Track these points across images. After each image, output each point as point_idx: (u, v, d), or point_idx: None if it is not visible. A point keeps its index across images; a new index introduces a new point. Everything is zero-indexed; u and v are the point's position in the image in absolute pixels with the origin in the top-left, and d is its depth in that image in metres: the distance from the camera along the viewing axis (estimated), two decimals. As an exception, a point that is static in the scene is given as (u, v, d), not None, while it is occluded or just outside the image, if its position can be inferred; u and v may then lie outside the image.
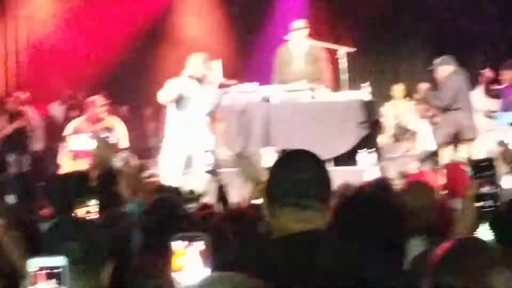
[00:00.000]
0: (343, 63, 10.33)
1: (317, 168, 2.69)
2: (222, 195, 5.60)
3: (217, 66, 10.37)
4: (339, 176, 4.41)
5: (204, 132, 8.92)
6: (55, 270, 2.06)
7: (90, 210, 3.89)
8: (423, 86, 10.48)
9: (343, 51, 10.41)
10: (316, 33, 11.13)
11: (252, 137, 9.76)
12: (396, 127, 11.27)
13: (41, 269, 2.05)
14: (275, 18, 12.91)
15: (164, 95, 8.91)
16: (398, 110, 11.95)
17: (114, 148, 6.41)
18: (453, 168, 4.63)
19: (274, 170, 2.71)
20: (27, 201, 4.68)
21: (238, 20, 13.25)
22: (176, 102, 8.91)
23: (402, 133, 10.70)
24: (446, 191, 4.57)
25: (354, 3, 13.12)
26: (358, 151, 9.25)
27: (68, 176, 4.99)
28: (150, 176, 7.63)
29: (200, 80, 8.87)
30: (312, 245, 2.53)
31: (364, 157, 9.16)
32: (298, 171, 2.64)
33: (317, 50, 10.61)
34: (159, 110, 10.88)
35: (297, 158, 2.73)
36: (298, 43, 10.55)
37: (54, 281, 2.05)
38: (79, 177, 4.89)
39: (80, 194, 4.15)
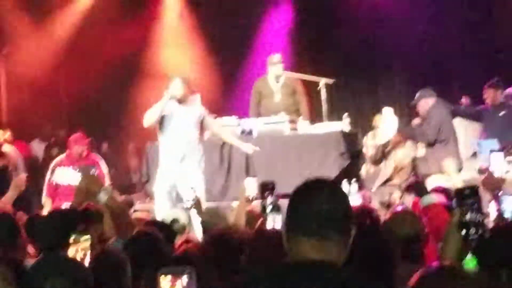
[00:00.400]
0: (323, 95, 10.41)
1: (338, 199, 2.69)
2: (205, 230, 5.58)
3: (196, 99, 10.41)
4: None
5: (190, 159, 8.85)
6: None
7: (82, 247, 3.85)
8: (415, 122, 10.62)
9: (322, 82, 10.48)
10: (296, 65, 11.25)
11: (233, 170, 9.81)
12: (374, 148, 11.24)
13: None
14: (255, 51, 12.97)
15: (147, 118, 8.89)
16: (378, 140, 11.99)
17: (99, 183, 6.35)
18: (432, 208, 4.64)
19: (295, 199, 2.71)
20: (11, 239, 4.61)
21: (217, 54, 13.30)
22: (159, 124, 8.87)
23: (380, 153, 10.68)
24: (430, 233, 4.58)
25: (333, 36, 13.20)
26: (342, 181, 9.24)
27: (53, 214, 4.94)
28: (135, 211, 7.60)
29: (180, 101, 8.86)
30: (317, 276, 2.52)
31: (347, 188, 9.16)
32: (319, 202, 2.64)
33: (293, 82, 10.70)
34: (141, 146, 10.88)
35: (318, 189, 2.71)
36: (275, 76, 10.63)
37: None
38: (65, 216, 4.85)
39: (67, 232, 4.13)
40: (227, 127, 9.61)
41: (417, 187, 5.41)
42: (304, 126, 10.05)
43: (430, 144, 10.01)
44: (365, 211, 5.27)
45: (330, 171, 9.48)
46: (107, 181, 9.55)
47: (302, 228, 2.62)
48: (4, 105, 13.09)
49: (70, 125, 12.65)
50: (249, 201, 5.36)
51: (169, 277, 2.36)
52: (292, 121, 10.05)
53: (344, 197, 2.72)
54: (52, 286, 2.32)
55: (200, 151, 8.90)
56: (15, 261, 3.71)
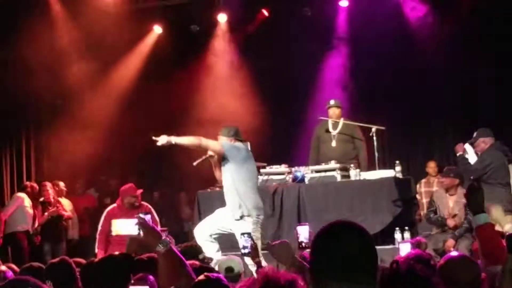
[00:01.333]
0: (375, 141, 10.37)
1: (366, 241, 2.64)
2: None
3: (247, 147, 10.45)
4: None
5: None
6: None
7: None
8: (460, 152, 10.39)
9: (374, 129, 10.45)
10: (350, 112, 11.26)
11: (284, 218, 9.80)
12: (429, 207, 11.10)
13: None
14: (306, 100, 12.97)
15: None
16: (432, 187, 11.87)
17: (157, 234, 6.38)
18: (486, 228, 4.50)
19: (321, 243, 2.65)
20: (69, 284, 4.67)
21: (268, 104, 13.34)
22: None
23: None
24: (482, 255, 4.44)
25: (385, 84, 13.14)
26: (395, 229, 9.16)
27: (108, 260, 4.94)
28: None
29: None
30: None
31: (399, 235, 9.07)
32: (348, 245, 2.59)
33: (352, 128, 10.69)
34: (193, 194, 10.92)
35: (346, 231, 2.66)
36: (333, 122, 10.65)
37: None
38: (119, 262, 4.84)
39: (122, 279, 4.13)
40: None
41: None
42: (356, 173, 10.00)
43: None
44: (419, 258, 5.17)
45: (383, 218, 9.40)
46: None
47: (331, 272, 2.56)
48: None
49: (122, 175, 12.75)
50: (302, 248, 5.29)
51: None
52: (344, 169, 10.02)
53: (371, 239, 2.67)
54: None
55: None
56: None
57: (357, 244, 2.59)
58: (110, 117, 13.14)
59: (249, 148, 9.42)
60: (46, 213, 11.81)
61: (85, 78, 12.93)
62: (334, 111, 10.73)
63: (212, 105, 13.01)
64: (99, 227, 9.92)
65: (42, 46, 12.12)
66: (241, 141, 8.73)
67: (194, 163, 8.86)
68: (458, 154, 9.77)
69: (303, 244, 5.26)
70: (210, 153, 8.63)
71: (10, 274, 5.93)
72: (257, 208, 8.45)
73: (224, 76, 13.77)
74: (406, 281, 3.09)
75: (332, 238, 2.64)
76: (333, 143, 10.70)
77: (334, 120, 10.70)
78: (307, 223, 5.44)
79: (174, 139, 8.28)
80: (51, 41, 12.60)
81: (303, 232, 5.17)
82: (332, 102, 10.82)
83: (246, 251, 5.50)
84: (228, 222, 8.51)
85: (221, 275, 4.19)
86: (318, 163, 10.46)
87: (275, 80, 13.44)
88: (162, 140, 8.29)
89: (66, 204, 12.26)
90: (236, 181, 8.48)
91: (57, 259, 5.57)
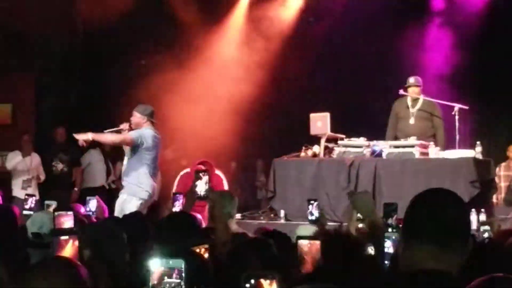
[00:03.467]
0: (457, 121, 10.18)
1: (460, 208, 2.68)
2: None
3: (326, 119, 10.42)
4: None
5: None
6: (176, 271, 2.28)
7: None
8: None
9: (456, 108, 10.26)
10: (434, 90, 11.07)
11: (360, 191, 9.73)
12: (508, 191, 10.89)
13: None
14: (386, 73, 12.78)
15: None
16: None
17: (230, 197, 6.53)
18: None
19: (415, 207, 2.69)
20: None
21: (348, 76, 13.23)
22: None
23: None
24: None
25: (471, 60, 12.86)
26: (471, 210, 9.00)
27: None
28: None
29: None
30: (441, 285, 2.49)
31: (474, 217, 8.91)
32: (441, 210, 2.63)
33: (431, 106, 10.51)
34: (269, 162, 10.95)
35: (439, 197, 2.71)
36: (413, 99, 10.50)
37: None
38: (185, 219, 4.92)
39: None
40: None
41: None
42: (435, 151, 9.85)
43: None
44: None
45: (460, 199, 9.24)
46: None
47: (422, 236, 2.60)
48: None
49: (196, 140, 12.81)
50: (359, 220, 5.28)
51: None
52: (423, 146, 9.88)
53: (465, 206, 2.72)
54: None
55: None
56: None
57: (451, 209, 2.63)
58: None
59: (329, 120, 9.48)
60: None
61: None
62: (413, 90, 10.54)
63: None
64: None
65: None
66: (152, 123, 9.03)
67: (105, 132, 9.18)
68: None
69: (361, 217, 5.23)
70: (121, 126, 9.04)
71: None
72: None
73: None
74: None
75: (425, 203, 2.69)
76: (411, 120, 10.51)
77: (415, 96, 10.52)
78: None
79: (92, 136, 8.72)
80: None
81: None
82: (411, 80, 10.60)
83: (313, 218, 5.52)
84: None
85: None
86: (395, 139, 10.34)
87: (359, 49, 13.28)
88: (82, 137, 8.71)
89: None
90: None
91: (130, 213, 5.69)
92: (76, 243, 2.71)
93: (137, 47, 13.50)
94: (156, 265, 2.26)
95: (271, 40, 13.21)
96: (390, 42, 12.82)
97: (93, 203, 6.64)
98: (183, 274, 2.26)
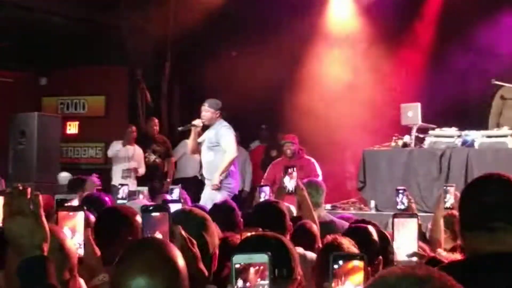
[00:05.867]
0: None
1: (507, 191, 2.66)
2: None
3: (417, 109, 10.33)
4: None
5: None
6: (260, 266, 2.19)
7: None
8: None
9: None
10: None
11: (451, 181, 9.59)
12: None
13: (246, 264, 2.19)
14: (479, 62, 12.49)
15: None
16: None
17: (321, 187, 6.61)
18: None
19: (465, 194, 2.75)
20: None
21: (438, 66, 13.01)
22: None
23: None
24: None
25: None
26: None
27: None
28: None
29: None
30: (506, 267, 2.49)
31: None
32: (486, 194, 2.64)
33: None
34: (358, 152, 10.92)
35: (486, 182, 2.73)
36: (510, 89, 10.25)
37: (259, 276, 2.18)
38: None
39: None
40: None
41: None
42: (528, 141, 9.63)
43: None
44: None
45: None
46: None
47: (480, 222, 2.60)
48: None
49: (287, 130, 12.83)
50: (448, 208, 5.24)
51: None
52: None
53: None
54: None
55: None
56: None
57: (496, 193, 2.64)
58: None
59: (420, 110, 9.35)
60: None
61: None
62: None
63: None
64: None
65: None
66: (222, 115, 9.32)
67: (179, 129, 9.61)
68: None
69: (449, 205, 5.20)
70: (195, 122, 9.17)
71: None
72: None
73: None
74: None
75: (474, 188, 2.75)
76: (509, 111, 10.28)
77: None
78: (452, 185, 5.35)
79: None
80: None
81: (450, 193, 5.15)
82: None
83: (402, 207, 5.49)
84: None
85: None
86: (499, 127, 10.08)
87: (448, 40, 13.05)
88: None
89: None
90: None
91: (220, 202, 5.78)
92: (165, 219, 2.70)
93: (227, 40, 13.60)
94: (239, 260, 2.19)
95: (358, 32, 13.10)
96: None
97: (176, 193, 6.73)
98: (268, 269, 2.18)
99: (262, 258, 2.18)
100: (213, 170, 9.14)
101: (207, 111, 9.16)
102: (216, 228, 3.76)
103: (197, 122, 9.21)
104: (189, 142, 9.55)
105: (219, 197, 8.59)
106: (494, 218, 2.58)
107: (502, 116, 10.41)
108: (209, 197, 8.90)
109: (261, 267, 2.16)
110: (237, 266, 2.16)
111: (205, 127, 9.37)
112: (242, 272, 2.16)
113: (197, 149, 9.47)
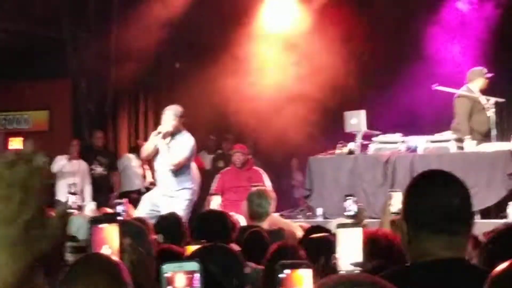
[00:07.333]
0: (492, 114, 10.08)
1: (464, 192, 2.57)
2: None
3: (361, 116, 10.43)
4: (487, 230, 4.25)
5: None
6: (190, 274, 2.14)
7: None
8: None
9: (491, 101, 10.17)
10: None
11: (397, 187, 9.68)
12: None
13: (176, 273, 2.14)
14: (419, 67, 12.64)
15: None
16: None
17: (270, 197, 6.57)
18: None
19: (416, 193, 2.59)
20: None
21: (381, 72, 13.16)
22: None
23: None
24: None
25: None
26: (509, 203, 8.94)
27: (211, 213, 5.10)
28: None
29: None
30: (463, 273, 2.45)
31: (511, 209, 8.84)
32: (447, 196, 2.52)
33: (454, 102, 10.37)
34: (304, 160, 10.97)
35: (442, 181, 2.59)
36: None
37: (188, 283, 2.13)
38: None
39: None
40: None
41: None
42: (471, 145, 9.79)
43: None
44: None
45: (497, 192, 9.22)
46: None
47: (430, 224, 2.49)
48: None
49: (235, 140, 12.84)
50: (395, 213, 5.29)
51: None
52: (459, 140, 9.83)
53: (467, 189, 2.58)
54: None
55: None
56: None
57: (457, 194, 2.53)
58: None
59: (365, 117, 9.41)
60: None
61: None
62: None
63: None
64: (213, 185, 10.37)
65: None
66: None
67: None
68: None
69: (397, 210, 5.24)
70: (160, 129, 9.02)
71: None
72: None
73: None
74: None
75: (427, 188, 2.58)
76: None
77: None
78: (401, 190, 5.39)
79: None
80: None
81: (397, 198, 5.16)
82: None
83: (351, 213, 5.53)
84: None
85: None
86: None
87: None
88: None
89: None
90: None
91: (166, 214, 5.76)
92: (115, 231, 2.63)
93: (172, 51, 13.57)
94: (169, 269, 2.14)
95: (302, 36, 13.12)
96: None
97: (120, 207, 6.69)
98: (198, 279, 2.13)
99: (193, 266, 2.14)
100: (175, 179, 9.05)
101: (171, 118, 9.00)
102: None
103: (163, 128, 9.05)
104: (148, 147, 9.32)
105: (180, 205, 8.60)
106: (456, 222, 2.50)
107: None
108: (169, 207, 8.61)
109: (192, 275, 2.14)
110: (167, 275, 2.13)
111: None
112: (172, 281, 2.13)
113: (152, 155, 9.29)
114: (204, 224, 4.88)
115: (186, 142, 9.02)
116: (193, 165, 11.40)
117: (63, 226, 1.58)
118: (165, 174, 9.07)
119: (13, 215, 1.47)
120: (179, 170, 8.97)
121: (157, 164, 9.25)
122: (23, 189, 1.48)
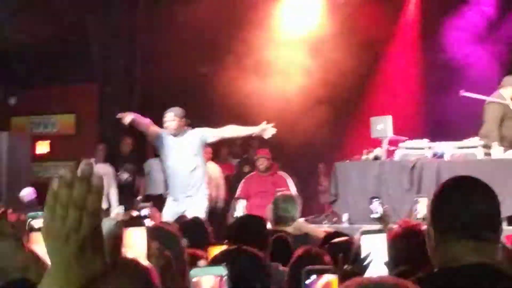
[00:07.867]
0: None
1: (492, 197, 2.57)
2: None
3: (388, 121, 10.38)
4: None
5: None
6: (217, 279, 2.16)
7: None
8: None
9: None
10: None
11: (422, 193, 9.63)
12: None
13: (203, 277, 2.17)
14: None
15: None
16: None
17: (296, 201, 6.56)
18: None
19: (444, 199, 2.59)
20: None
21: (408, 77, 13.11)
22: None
23: None
24: None
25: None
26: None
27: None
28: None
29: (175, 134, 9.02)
30: (490, 278, 2.42)
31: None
32: (475, 201, 2.52)
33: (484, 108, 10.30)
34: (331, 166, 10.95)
35: (470, 187, 2.60)
36: None
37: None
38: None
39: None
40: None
41: None
42: (499, 152, 9.70)
43: None
44: None
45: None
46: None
47: (457, 230, 2.49)
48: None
49: (260, 145, 12.84)
50: (419, 219, 5.26)
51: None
52: (486, 146, 9.75)
53: (495, 195, 2.58)
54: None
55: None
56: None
57: (485, 200, 2.53)
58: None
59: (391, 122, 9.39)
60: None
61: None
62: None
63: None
64: (238, 190, 10.43)
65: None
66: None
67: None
68: None
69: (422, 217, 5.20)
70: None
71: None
72: None
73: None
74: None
75: (455, 194, 2.58)
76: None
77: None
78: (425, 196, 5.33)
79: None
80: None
81: (423, 205, 5.13)
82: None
83: (377, 215, 5.51)
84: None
85: None
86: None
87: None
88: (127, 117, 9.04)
89: (212, 167, 12.45)
90: None
91: (190, 218, 5.76)
92: (143, 235, 2.61)
93: (198, 55, 13.59)
94: (196, 274, 2.18)
95: (327, 39, 13.11)
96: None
97: (145, 211, 6.71)
98: (225, 283, 2.16)
99: (219, 270, 2.15)
100: (196, 180, 9.02)
101: (173, 119, 9.03)
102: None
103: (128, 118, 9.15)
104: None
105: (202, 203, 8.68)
106: (484, 228, 2.49)
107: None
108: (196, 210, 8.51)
109: (219, 279, 2.14)
110: (194, 279, 2.14)
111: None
112: (200, 285, 2.14)
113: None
114: (242, 228, 4.85)
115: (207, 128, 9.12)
116: (217, 169, 11.45)
117: (117, 250, 1.59)
118: (184, 175, 9.08)
119: (69, 233, 1.48)
120: (196, 170, 9.01)
121: (170, 166, 9.23)
122: (79, 209, 1.49)
